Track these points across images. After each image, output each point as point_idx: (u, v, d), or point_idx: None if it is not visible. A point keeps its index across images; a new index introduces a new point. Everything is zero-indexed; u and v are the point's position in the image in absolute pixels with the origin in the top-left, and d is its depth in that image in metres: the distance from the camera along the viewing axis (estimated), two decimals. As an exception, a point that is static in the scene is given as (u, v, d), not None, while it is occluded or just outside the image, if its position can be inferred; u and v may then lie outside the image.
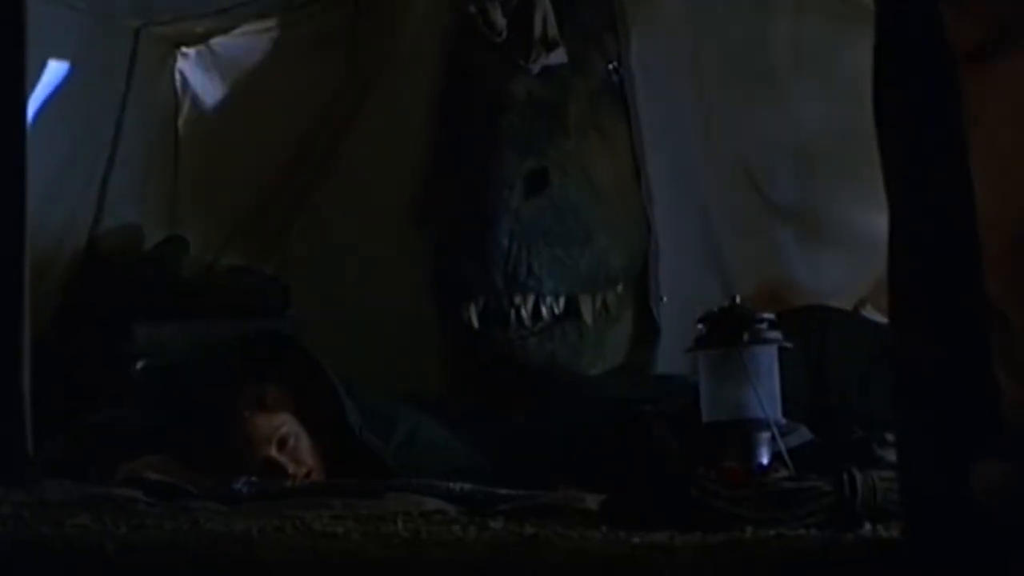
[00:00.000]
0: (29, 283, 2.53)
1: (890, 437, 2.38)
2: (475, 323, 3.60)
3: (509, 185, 3.53)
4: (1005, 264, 1.56)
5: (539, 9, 3.34)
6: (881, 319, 3.38)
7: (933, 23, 1.60)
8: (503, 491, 2.50)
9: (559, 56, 3.35)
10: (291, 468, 2.86)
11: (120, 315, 3.55)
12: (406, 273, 3.80)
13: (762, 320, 2.52)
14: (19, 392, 2.48)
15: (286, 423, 2.92)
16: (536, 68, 3.34)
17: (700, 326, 2.58)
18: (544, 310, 3.58)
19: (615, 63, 3.75)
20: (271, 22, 3.92)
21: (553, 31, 3.33)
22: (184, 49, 3.97)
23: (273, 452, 2.87)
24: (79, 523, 2.16)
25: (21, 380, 2.49)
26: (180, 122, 4.03)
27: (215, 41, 3.96)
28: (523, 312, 3.56)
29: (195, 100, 4.02)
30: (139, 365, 3.39)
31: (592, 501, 2.32)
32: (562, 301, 3.59)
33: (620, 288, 3.72)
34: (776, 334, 2.53)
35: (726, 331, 2.51)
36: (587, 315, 3.62)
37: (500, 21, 3.36)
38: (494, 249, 3.52)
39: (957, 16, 1.57)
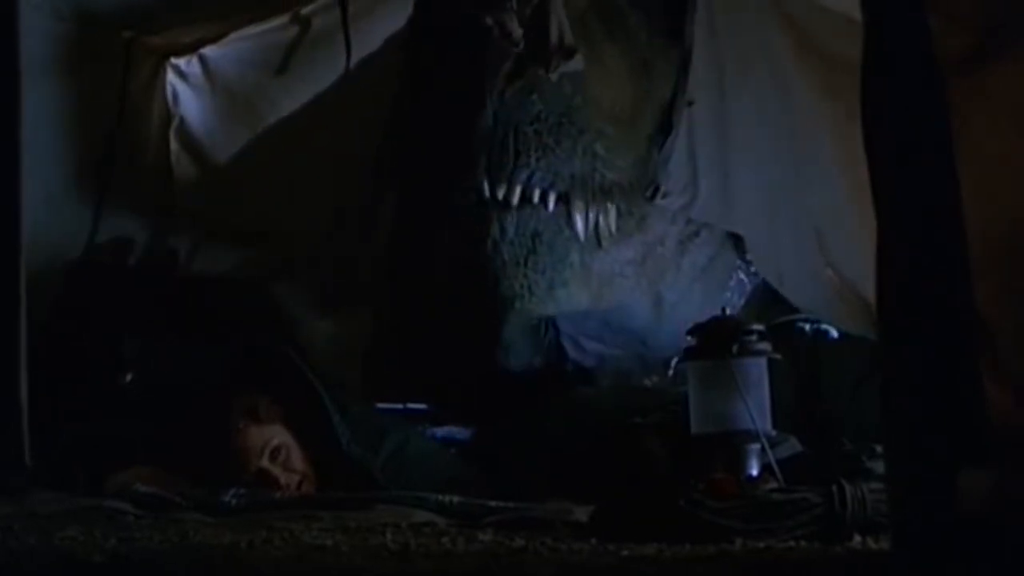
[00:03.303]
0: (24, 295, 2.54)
1: (880, 449, 2.38)
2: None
3: (493, 71, 3.30)
4: (992, 272, 1.56)
5: (554, 17, 3.33)
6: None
7: (920, 32, 1.60)
8: (492, 503, 2.50)
9: (577, 63, 3.34)
10: (283, 479, 2.88)
11: (112, 327, 3.55)
12: None
13: (751, 331, 2.52)
14: (17, 403, 2.50)
15: (278, 435, 2.93)
16: (556, 76, 3.33)
17: (689, 337, 2.58)
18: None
19: None
20: (262, 27, 3.90)
21: (569, 38, 3.32)
22: (174, 60, 3.96)
23: (265, 463, 2.89)
24: (68, 535, 2.16)
25: (18, 392, 2.50)
26: (172, 132, 4.01)
27: (206, 51, 3.94)
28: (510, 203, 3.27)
29: (186, 110, 4.00)
30: (128, 377, 3.39)
31: (581, 513, 2.32)
32: (553, 198, 3.30)
33: (614, 216, 3.40)
34: (766, 346, 2.52)
35: (715, 343, 2.51)
36: (579, 227, 3.33)
37: (516, 31, 3.35)
38: (478, 131, 3.27)
39: (944, 24, 1.58)
